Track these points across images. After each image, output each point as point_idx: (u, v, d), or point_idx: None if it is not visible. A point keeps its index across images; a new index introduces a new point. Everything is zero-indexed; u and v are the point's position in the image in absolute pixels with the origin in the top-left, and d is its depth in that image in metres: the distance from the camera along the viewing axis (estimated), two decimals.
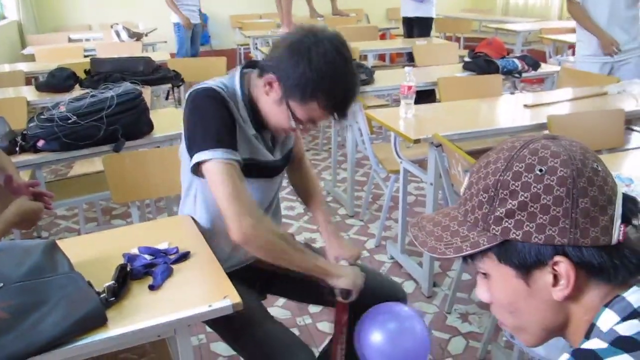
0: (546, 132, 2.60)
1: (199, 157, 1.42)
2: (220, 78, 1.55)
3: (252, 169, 1.53)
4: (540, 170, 0.73)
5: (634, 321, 0.70)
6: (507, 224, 0.74)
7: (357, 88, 1.45)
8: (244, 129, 1.51)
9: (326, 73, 1.36)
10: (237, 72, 1.55)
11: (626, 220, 0.74)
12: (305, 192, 1.84)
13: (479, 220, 0.77)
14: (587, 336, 0.73)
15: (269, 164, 1.60)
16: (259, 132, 1.54)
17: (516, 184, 0.74)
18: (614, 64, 3.79)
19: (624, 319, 0.70)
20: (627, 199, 0.76)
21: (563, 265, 0.72)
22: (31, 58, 5.23)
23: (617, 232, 0.73)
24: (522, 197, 0.73)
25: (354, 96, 1.44)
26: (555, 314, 0.77)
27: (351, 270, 1.55)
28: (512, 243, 0.75)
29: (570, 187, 0.72)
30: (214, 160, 1.40)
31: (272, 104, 1.46)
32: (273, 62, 1.42)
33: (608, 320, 0.72)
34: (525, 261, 0.74)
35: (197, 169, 1.45)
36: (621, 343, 0.68)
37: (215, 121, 1.43)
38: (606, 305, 0.73)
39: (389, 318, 1.47)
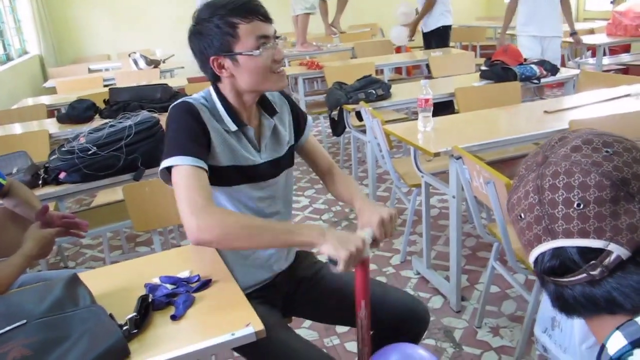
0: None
1: (162, 164, 1.47)
2: (201, 91, 1.62)
3: (236, 176, 1.56)
4: None
5: None
6: None
7: None
8: (224, 135, 1.54)
9: (215, 12, 1.45)
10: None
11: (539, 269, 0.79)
12: (346, 195, 1.73)
13: None
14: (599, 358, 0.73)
15: (253, 168, 1.59)
16: (240, 127, 1.57)
17: None
18: (542, 39, 4.87)
19: (632, 344, 0.69)
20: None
21: None
22: (53, 91, 5.33)
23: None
24: None
25: None
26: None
27: (339, 237, 1.35)
28: None
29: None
30: (175, 167, 1.44)
31: (238, 72, 1.50)
32: (203, 55, 1.51)
33: (616, 343, 0.71)
34: None
35: (166, 179, 1.50)
36: None
37: (181, 132, 1.48)
38: (617, 328, 0.72)
39: None
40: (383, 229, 1.46)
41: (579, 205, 0.72)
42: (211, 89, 1.60)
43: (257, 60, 1.48)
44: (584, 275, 0.72)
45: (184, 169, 1.43)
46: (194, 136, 1.48)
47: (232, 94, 1.56)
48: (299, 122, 1.76)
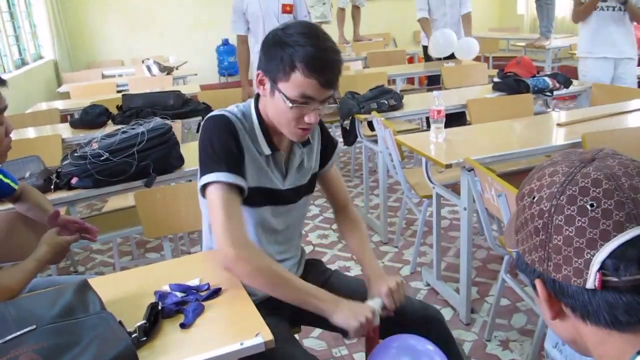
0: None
1: (202, 180, 1.48)
2: (242, 103, 1.62)
3: (260, 197, 1.57)
4: (533, 198, 0.77)
5: None
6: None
7: (331, 48, 1.45)
8: (255, 155, 1.55)
9: (296, 42, 1.41)
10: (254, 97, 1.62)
11: (610, 268, 0.69)
12: (356, 250, 1.79)
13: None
14: None
15: (277, 192, 1.61)
16: (272, 151, 1.58)
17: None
18: (615, 60, 4.18)
19: None
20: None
21: (539, 286, 0.76)
22: (66, 95, 5.36)
23: (592, 277, 0.70)
24: (519, 220, 0.80)
25: (331, 56, 1.44)
26: (573, 341, 0.78)
27: (350, 308, 1.44)
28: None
29: (546, 221, 0.73)
30: (215, 183, 1.46)
31: (270, 100, 1.50)
32: (259, 64, 1.51)
33: None
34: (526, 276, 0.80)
35: (203, 192, 1.52)
36: None
37: (219, 146, 1.49)
38: (639, 352, 0.69)
39: (402, 352, 1.35)
40: (392, 297, 1.54)
41: None
42: (252, 103, 1.59)
43: (286, 108, 1.46)
44: None
45: (220, 189, 1.46)
46: (232, 151, 1.49)
47: (266, 113, 1.56)
48: (327, 151, 1.77)
